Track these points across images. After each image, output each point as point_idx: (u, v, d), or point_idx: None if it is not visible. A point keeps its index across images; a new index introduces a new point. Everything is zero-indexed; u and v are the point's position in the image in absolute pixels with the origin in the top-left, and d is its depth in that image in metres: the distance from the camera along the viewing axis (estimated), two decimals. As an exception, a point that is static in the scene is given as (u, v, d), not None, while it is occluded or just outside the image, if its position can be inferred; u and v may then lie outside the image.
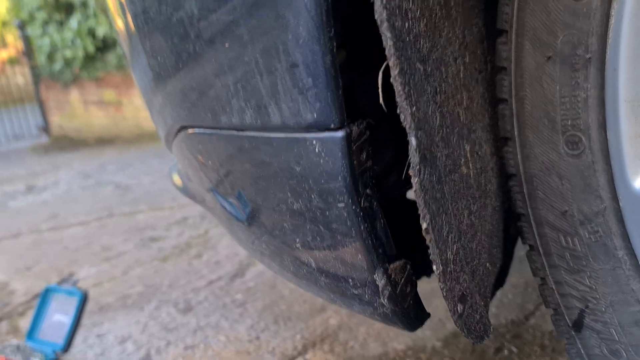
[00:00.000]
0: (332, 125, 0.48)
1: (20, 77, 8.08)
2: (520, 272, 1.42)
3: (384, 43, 0.45)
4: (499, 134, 0.70)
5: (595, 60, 0.58)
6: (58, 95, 6.58)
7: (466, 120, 0.66)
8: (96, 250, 2.27)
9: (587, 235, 0.62)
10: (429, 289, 1.32)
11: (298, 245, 0.61)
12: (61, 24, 5.75)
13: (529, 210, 0.67)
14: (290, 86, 0.49)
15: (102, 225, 2.66)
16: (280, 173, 0.55)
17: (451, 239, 0.55)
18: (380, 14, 0.44)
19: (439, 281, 0.53)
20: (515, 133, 0.67)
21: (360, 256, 0.54)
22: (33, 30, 6.10)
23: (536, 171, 0.66)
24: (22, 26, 6.30)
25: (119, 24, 0.77)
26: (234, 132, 0.58)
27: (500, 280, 0.80)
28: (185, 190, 0.94)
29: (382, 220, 0.55)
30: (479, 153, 0.68)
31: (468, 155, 0.66)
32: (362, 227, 0.52)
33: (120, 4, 0.71)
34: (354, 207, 0.51)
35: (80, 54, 5.60)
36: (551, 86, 0.62)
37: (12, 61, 8.32)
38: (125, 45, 0.79)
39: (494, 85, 0.69)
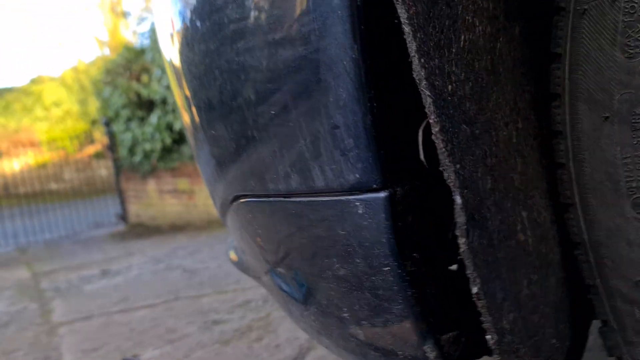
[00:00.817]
0: (375, 186, 0.48)
1: (104, 169, 8.69)
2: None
3: (424, 101, 0.45)
4: (560, 200, 0.67)
5: (657, 118, 0.55)
6: (136, 185, 6.98)
7: (522, 186, 0.64)
8: (161, 333, 2.28)
9: (665, 308, 0.56)
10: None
11: (345, 314, 0.58)
12: (142, 119, 6.21)
13: (597, 281, 0.62)
14: (332, 148, 0.49)
15: (169, 308, 2.69)
16: (326, 237, 0.54)
17: (507, 307, 0.51)
18: (418, 72, 0.44)
19: (494, 353, 0.49)
20: (577, 199, 0.63)
21: (408, 325, 0.51)
22: (117, 127, 6.61)
23: (602, 238, 0.61)
24: (108, 123, 6.85)
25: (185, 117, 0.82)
26: (282, 199, 0.59)
27: (572, 363, 0.73)
28: (240, 265, 0.94)
29: (432, 286, 0.52)
30: (538, 220, 0.65)
31: (525, 221, 0.63)
32: (409, 293, 0.50)
33: (187, 99, 0.76)
34: (399, 270, 0.49)
35: (158, 146, 5.98)
36: (611, 147, 0.59)
37: (98, 155, 9.00)
38: (188, 128, 0.84)
39: (551, 150, 0.67)
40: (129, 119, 6.42)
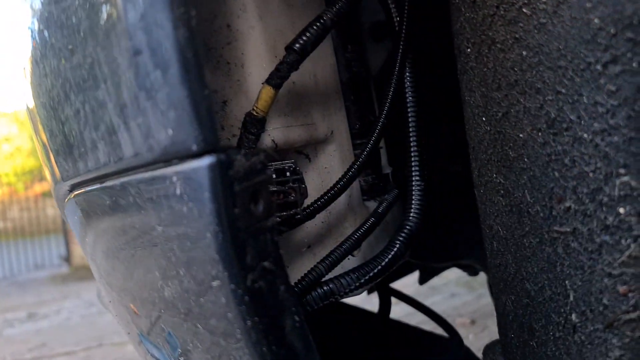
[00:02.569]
0: (195, 148, 0.30)
1: (52, 209, 8.24)
2: None
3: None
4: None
5: None
6: (83, 225, 6.61)
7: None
8: (71, 385, 2.00)
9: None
10: None
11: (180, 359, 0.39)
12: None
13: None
14: (136, 89, 0.31)
15: (88, 355, 2.41)
16: (143, 238, 0.36)
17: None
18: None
19: None
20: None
21: (253, 375, 0.33)
22: (66, 162, 6.30)
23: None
24: (56, 158, 6.55)
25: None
26: (97, 186, 0.40)
27: None
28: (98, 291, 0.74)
29: (295, 316, 0.34)
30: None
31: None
32: (249, 324, 0.31)
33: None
34: (232, 286, 0.31)
35: (106, 183, 5.69)
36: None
37: (47, 194, 8.56)
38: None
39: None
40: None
